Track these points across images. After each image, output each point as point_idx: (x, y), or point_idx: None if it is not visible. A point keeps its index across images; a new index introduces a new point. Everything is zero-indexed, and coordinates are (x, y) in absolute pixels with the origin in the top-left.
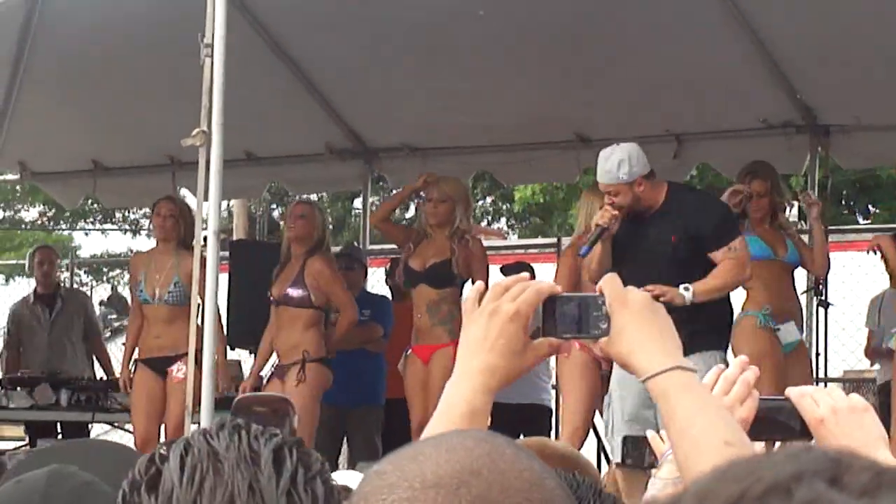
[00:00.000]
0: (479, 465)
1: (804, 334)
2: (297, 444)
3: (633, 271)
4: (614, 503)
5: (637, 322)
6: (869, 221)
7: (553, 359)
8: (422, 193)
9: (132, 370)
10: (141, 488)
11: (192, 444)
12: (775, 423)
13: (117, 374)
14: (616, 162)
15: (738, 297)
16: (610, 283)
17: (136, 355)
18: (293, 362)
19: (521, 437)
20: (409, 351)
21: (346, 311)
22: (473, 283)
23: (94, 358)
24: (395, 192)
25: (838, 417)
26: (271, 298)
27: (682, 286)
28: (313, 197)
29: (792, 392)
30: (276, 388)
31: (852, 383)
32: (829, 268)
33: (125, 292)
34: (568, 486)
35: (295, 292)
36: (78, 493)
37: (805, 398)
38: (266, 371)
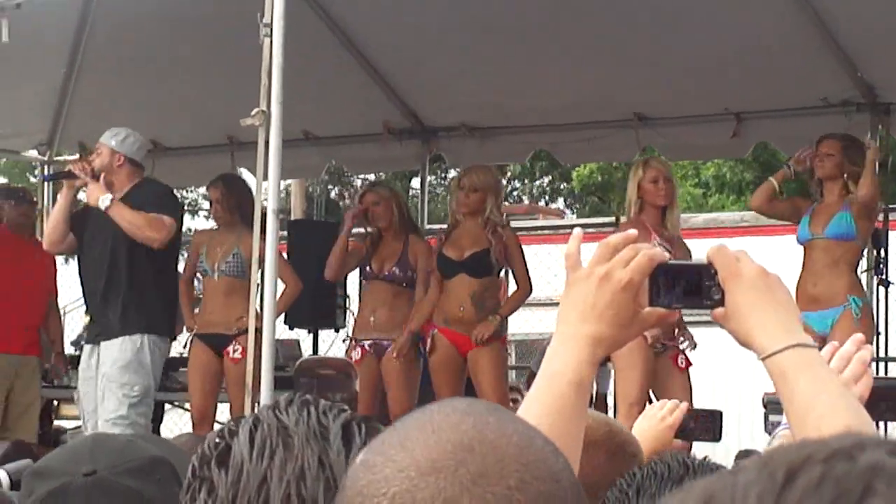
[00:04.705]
0: (468, 439)
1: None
2: (365, 420)
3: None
4: (709, 469)
5: (752, 297)
6: None
7: None
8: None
9: (189, 344)
10: (211, 462)
11: (261, 420)
12: (891, 403)
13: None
14: (124, 133)
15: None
16: (720, 253)
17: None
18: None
19: None
20: (436, 331)
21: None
22: (513, 271)
23: None
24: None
25: None
26: (369, 271)
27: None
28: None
29: None
30: (373, 364)
31: None
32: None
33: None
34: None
35: (400, 271)
36: (122, 448)
37: None
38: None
